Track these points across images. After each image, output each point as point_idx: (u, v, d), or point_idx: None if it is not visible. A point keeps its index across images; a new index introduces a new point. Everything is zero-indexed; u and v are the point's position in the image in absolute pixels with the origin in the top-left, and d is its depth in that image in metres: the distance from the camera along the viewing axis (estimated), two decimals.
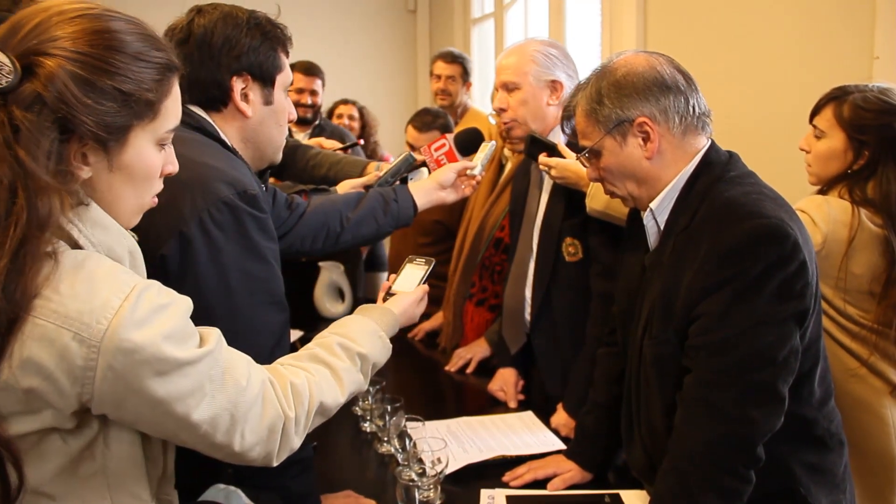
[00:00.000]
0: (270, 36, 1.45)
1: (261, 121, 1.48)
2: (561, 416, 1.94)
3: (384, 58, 4.19)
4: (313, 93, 3.72)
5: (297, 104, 3.62)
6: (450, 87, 3.89)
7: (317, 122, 3.81)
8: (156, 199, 1.06)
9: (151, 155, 1.00)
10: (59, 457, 0.93)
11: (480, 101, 5.70)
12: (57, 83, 0.87)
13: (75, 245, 0.92)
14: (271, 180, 2.11)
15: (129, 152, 0.96)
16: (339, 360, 1.21)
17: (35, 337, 0.85)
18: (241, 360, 1.04)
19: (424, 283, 1.48)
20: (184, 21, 1.43)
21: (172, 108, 1.02)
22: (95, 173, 0.95)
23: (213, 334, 1.01)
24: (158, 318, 0.91)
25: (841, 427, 1.45)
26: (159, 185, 1.06)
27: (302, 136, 3.68)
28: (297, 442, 1.11)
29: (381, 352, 1.29)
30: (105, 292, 0.88)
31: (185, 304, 0.98)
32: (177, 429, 0.96)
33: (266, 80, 1.46)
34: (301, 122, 3.70)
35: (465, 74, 3.92)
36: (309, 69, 3.72)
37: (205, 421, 0.97)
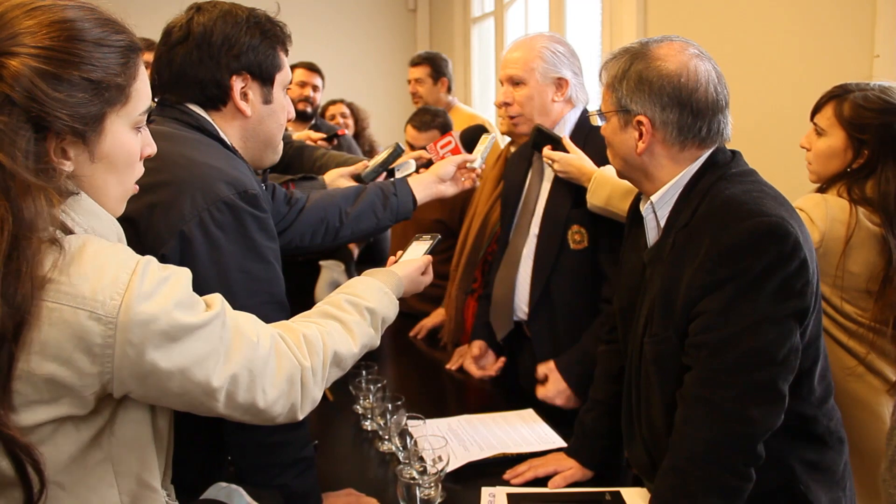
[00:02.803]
0: (270, 35, 1.45)
1: (260, 120, 1.48)
2: (554, 382, 1.95)
3: (384, 57, 4.20)
4: (315, 88, 3.81)
5: (299, 98, 3.73)
6: (419, 89, 3.90)
7: (313, 123, 3.84)
8: (137, 187, 1.06)
9: (129, 140, 1.00)
10: (71, 446, 0.94)
11: (481, 99, 5.71)
12: (24, 82, 0.85)
13: (69, 233, 0.92)
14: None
15: (107, 140, 0.96)
16: (348, 314, 1.24)
17: (52, 321, 0.85)
18: (248, 319, 1.07)
19: (429, 253, 1.54)
20: (183, 19, 1.43)
21: (143, 90, 1.01)
22: (78, 166, 0.94)
23: (217, 298, 1.03)
24: (164, 288, 0.93)
25: (841, 425, 1.45)
26: (140, 170, 1.06)
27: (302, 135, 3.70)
28: (317, 393, 1.14)
29: (388, 307, 1.32)
30: (112, 270, 0.89)
31: (186, 273, 1.00)
32: (201, 395, 0.98)
33: (265, 79, 1.46)
34: (300, 117, 3.75)
35: (434, 73, 3.88)
36: (311, 66, 3.84)
37: (225, 381, 0.99)
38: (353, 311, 1.25)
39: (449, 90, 3.96)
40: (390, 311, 1.34)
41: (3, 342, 0.83)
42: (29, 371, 0.86)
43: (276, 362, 1.06)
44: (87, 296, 0.87)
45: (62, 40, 0.89)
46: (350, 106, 4.40)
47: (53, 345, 0.86)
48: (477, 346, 2.31)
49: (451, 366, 2.43)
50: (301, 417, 1.12)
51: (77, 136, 0.91)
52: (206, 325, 0.97)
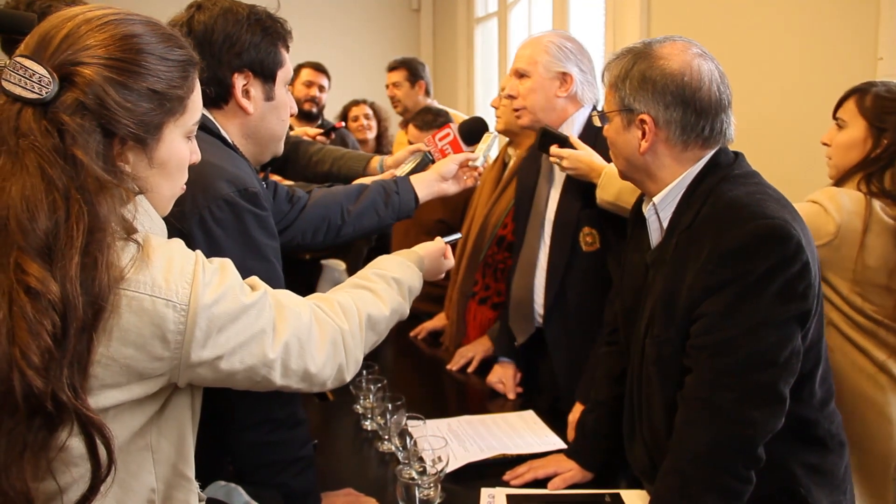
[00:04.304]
0: (271, 31, 1.45)
1: (262, 117, 1.48)
2: (579, 410, 1.93)
3: (387, 57, 4.20)
4: (321, 88, 3.86)
5: (305, 97, 3.78)
6: (396, 93, 3.94)
7: (319, 123, 3.87)
8: (184, 187, 1.12)
9: (182, 148, 1.07)
10: (124, 431, 0.99)
11: (484, 99, 5.71)
12: (96, 89, 0.92)
13: (132, 230, 0.97)
14: (277, 179, 2.11)
15: (163, 147, 1.02)
16: (376, 283, 1.34)
17: (132, 309, 0.92)
18: (287, 294, 1.17)
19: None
20: (184, 17, 1.42)
21: (197, 102, 1.09)
22: (135, 169, 1.00)
23: (257, 279, 1.13)
24: (219, 276, 1.03)
25: (842, 428, 1.44)
26: (186, 174, 1.11)
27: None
28: (359, 354, 1.23)
29: (413, 278, 1.41)
30: (179, 261, 0.98)
31: (230, 262, 1.08)
32: (262, 368, 1.06)
33: (267, 76, 1.45)
34: (305, 117, 3.78)
35: (411, 77, 3.91)
36: (318, 66, 3.89)
37: (279, 351, 1.08)
38: (381, 281, 1.34)
39: (427, 93, 3.99)
40: (415, 281, 1.41)
41: (84, 329, 0.88)
42: (109, 356, 0.92)
43: (318, 328, 1.15)
44: (162, 285, 0.94)
45: (131, 53, 0.96)
46: (372, 106, 4.40)
47: (133, 331, 0.93)
48: (511, 370, 2.28)
49: (453, 366, 2.43)
50: (348, 379, 1.21)
51: (138, 142, 0.98)
52: (257, 303, 1.06)
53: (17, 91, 0.89)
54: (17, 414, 0.85)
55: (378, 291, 1.31)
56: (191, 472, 1.09)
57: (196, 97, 1.07)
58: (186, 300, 0.96)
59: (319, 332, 1.15)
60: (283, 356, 1.08)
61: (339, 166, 2.25)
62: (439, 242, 1.56)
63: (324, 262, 3.14)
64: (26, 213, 0.86)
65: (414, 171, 2.02)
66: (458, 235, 1.65)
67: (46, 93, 0.89)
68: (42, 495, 0.93)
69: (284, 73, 1.49)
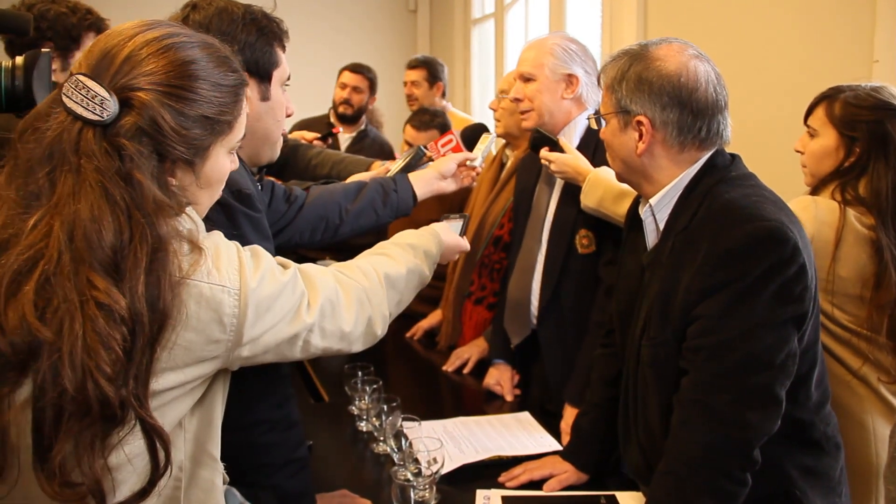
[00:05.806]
0: (266, 31, 1.44)
1: (258, 117, 1.47)
2: (570, 414, 1.93)
3: (384, 58, 4.20)
4: (356, 90, 3.78)
5: (340, 100, 3.77)
6: (415, 91, 3.94)
7: (362, 128, 3.85)
8: (220, 192, 1.16)
9: (226, 163, 1.11)
10: (176, 417, 1.04)
11: (481, 100, 5.72)
12: (154, 115, 0.95)
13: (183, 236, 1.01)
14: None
15: (209, 165, 1.06)
16: (389, 249, 1.41)
17: (192, 297, 0.97)
18: (311, 266, 1.24)
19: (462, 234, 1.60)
20: (179, 17, 1.42)
21: (243, 120, 1.12)
22: (181, 183, 1.04)
23: (284, 259, 1.19)
24: (258, 260, 1.09)
25: (838, 430, 1.44)
26: (224, 183, 1.15)
27: (346, 138, 3.76)
28: (384, 309, 1.29)
29: (428, 242, 1.47)
30: (225, 251, 1.04)
31: (259, 247, 1.14)
32: (304, 332, 1.13)
33: (263, 76, 1.45)
34: (341, 119, 3.77)
35: (431, 77, 3.92)
36: (356, 68, 3.84)
37: (316, 316, 1.15)
38: (395, 247, 1.42)
39: (444, 95, 3.99)
40: (431, 245, 1.47)
41: (149, 343, 0.93)
42: (174, 343, 0.96)
43: (342, 290, 1.22)
44: (216, 274, 1.00)
45: (188, 80, 0.99)
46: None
47: (194, 317, 0.98)
48: (509, 371, 2.27)
49: (448, 367, 2.43)
50: (380, 333, 1.28)
51: (187, 164, 1.02)
52: (292, 279, 1.13)
53: (79, 111, 0.92)
54: (87, 418, 0.89)
55: (392, 255, 1.38)
56: (217, 451, 1.12)
57: (243, 116, 1.11)
58: (237, 285, 1.02)
59: (344, 294, 1.22)
60: (320, 320, 1.15)
61: (340, 170, 2.25)
62: (454, 225, 1.62)
63: (319, 263, 3.12)
64: (95, 232, 0.90)
65: (409, 164, 2.02)
66: (467, 217, 1.68)
67: (108, 115, 0.92)
68: None
69: (280, 73, 1.48)
